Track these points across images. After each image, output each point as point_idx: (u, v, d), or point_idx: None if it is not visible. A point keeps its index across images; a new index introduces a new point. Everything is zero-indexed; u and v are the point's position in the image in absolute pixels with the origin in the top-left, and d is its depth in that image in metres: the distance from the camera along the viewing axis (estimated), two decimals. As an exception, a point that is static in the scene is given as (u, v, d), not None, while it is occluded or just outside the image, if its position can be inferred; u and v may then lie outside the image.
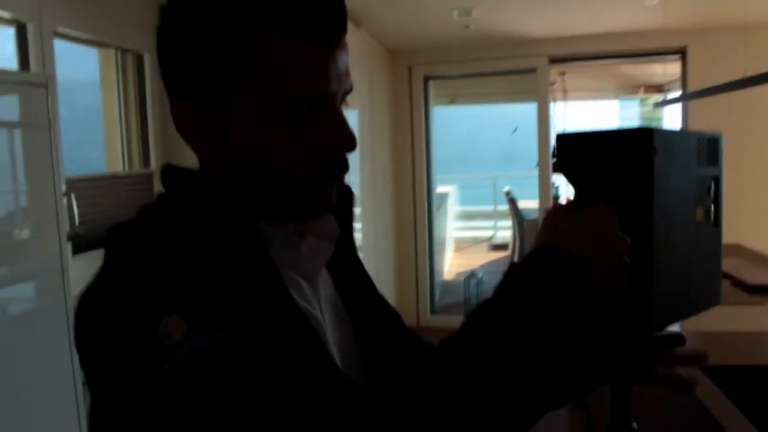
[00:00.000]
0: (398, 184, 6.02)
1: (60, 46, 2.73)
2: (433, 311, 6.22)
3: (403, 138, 5.98)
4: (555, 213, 0.71)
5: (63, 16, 2.74)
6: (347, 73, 0.72)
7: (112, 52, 3.36)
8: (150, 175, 3.44)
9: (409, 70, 5.94)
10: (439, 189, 7.44)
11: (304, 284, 0.78)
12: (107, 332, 0.61)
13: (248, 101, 0.68)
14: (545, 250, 0.68)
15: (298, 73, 0.67)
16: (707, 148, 0.80)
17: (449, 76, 6.22)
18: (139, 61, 3.45)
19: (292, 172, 0.71)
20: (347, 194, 0.85)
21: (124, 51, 3.38)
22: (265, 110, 0.68)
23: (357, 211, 4.88)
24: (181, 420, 0.57)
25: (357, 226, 4.73)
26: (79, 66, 3.36)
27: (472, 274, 6.29)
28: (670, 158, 0.72)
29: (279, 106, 0.67)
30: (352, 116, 4.92)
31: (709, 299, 0.83)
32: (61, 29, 2.75)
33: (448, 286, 7.19)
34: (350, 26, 3.46)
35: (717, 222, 0.83)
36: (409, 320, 4.85)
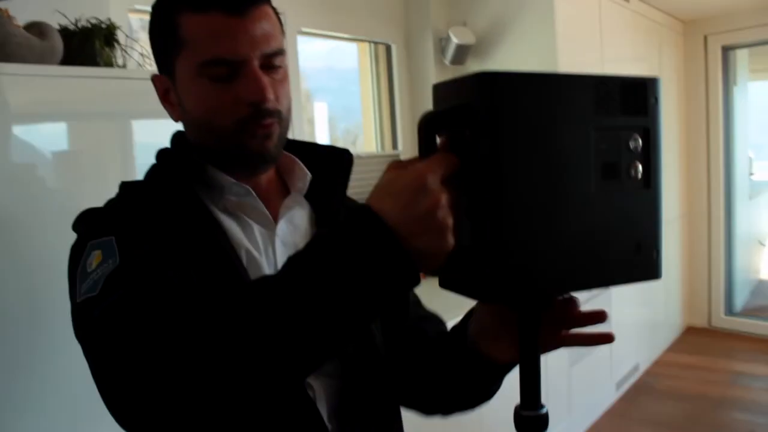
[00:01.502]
0: (690, 170, 5.46)
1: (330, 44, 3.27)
2: (731, 312, 5.49)
3: (697, 118, 5.40)
4: (387, 169, 0.68)
5: (305, 19, 3.14)
6: (265, 39, 0.86)
7: (367, 45, 3.72)
8: (398, 156, 3.72)
9: (705, 40, 5.33)
10: (761, 177, 6.55)
11: (257, 228, 0.93)
12: (71, 257, 0.84)
13: (183, 66, 0.88)
14: (356, 210, 0.67)
15: (211, 39, 0.83)
16: (625, 95, 0.67)
17: (751, 44, 5.39)
18: (388, 51, 3.75)
19: (217, 124, 0.87)
20: (341, 157, 1.01)
21: (377, 44, 3.71)
22: (194, 72, 0.86)
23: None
24: (81, 325, 0.76)
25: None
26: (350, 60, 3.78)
27: (782, 272, 5.40)
28: (535, 105, 0.63)
29: (201, 67, 0.85)
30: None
31: (631, 271, 0.70)
32: (306, 29, 3.16)
33: (764, 286, 6.28)
34: (619, 1, 3.30)
35: (648, 182, 0.69)
36: (698, 320, 4.52)
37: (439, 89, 0.70)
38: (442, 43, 3.68)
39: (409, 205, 0.62)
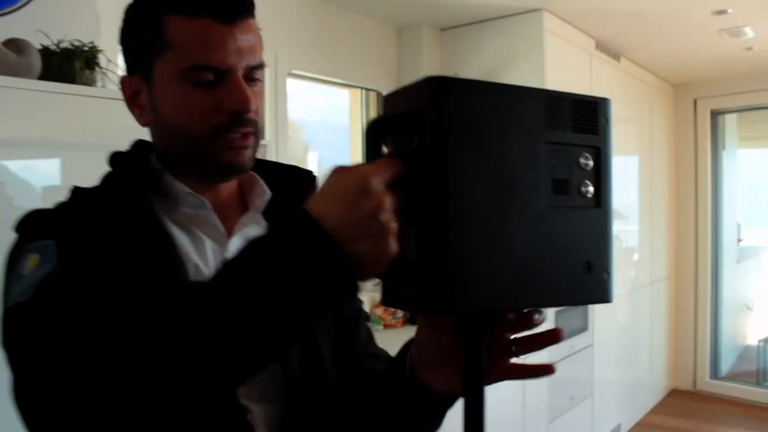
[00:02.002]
0: (678, 231, 5.48)
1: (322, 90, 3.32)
2: (717, 376, 5.43)
3: (686, 180, 5.44)
4: (330, 173, 0.64)
5: (297, 61, 3.18)
6: (250, 50, 0.85)
7: (358, 92, 3.76)
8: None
9: (694, 104, 5.41)
10: (750, 242, 6.56)
11: (209, 243, 0.91)
12: (8, 258, 0.81)
13: (165, 69, 0.85)
14: (293, 213, 0.63)
15: (200, 44, 0.82)
16: (576, 113, 0.65)
17: (740, 109, 5.47)
18: (379, 98, 3.79)
19: (194, 129, 0.85)
20: (304, 178, 1.00)
21: (368, 90, 3.75)
22: (176, 76, 0.83)
23: (630, 249, 4.63)
24: (7, 330, 0.73)
25: (627, 272, 4.50)
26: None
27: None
28: (486, 113, 0.61)
29: (186, 71, 0.82)
30: (632, 161, 4.89)
31: (582, 292, 0.67)
32: (295, 71, 3.19)
33: (750, 352, 6.22)
34: (610, 60, 3.36)
35: (599, 202, 0.67)
36: (684, 383, 4.47)
37: (390, 98, 0.68)
38: (433, 92, 3.71)
39: (351, 208, 0.59)
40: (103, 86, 1.73)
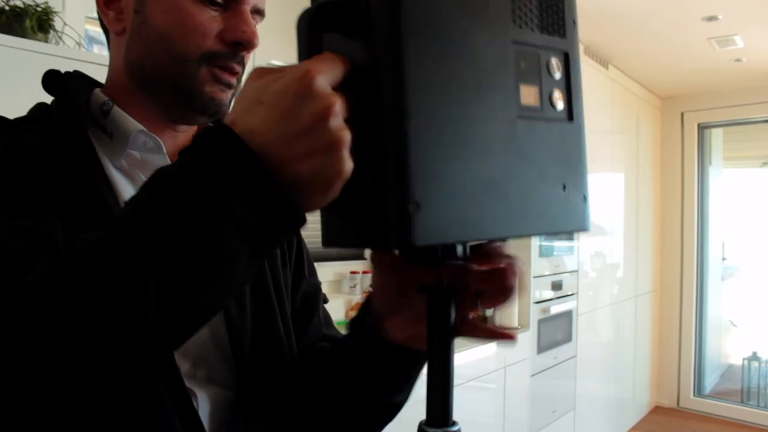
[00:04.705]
0: (663, 245, 5.41)
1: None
2: (700, 393, 5.33)
3: (673, 193, 5.38)
4: (250, 77, 0.50)
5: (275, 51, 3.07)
6: None
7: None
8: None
9: (681, 117, 5.37)
10: (733, 261, 6.53)
11: None
12: None
13: None
14: (210, 131, 0.49)
15: None
16: (542, 9, 0.55)
17: (727, 123, 5.43)
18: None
19: (183, 46, 0.73)
20: None
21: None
22: None
23: (614, 265, 4.55)
24: None
25: (610, 286, 4.41)
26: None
27: (753, 356, 5.28)
28: (448, 7, 0.49)
29: None
30: (618, 174, 4.82)
31: (559, 219, 0.57)
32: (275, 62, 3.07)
33: (734, 370, 6.17)
34: (598, 66, 3.31)
35: (571, 115, 0.57)
36: (667, 400, 4.38)
37: None
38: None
39: (288, 116, 0.46)
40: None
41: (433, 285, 0.58)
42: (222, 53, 0.74)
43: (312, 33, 0.51)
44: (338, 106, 0.46)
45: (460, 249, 0.57)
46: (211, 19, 0.73)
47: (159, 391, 0.68)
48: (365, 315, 0.75)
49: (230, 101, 0.77)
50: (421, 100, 0.47)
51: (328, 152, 0.46)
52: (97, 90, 0.79)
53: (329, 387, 0.81)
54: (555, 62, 0.56)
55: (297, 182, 0.47)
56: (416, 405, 0.72)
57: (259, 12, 0.78)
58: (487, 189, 0.51)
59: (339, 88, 0.48)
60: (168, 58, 0.74)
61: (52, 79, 0.78)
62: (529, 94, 0.54)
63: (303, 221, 0.49)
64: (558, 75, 0.56)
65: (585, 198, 0.60)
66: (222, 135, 0.47)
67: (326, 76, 0.47)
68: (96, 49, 1.87)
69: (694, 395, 5.28)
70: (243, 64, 0.77)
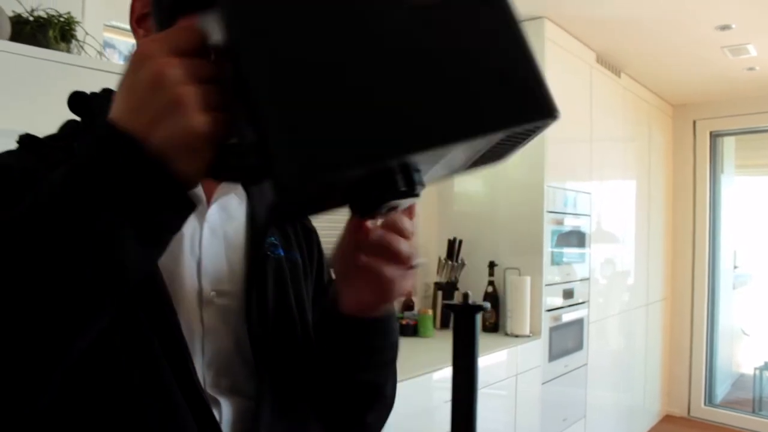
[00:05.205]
0: (675, 253, 5.39)
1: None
2: (711, 403, 5.30)
3: (685, 201, 5.36)
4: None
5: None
6: None
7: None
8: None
9: (694, 125, 5.35)
10: (745, 270, 6.48)
11: None
12: None
13: None
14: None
15: None
16: None
17: (739, 132, 5.41)
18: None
19: None
20: None
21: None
22: None
23: (626, 273, 4.54)
24: None
25: (621, 294, 4.40)
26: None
27: (765, 366, 5.24)
28: None
29: None
30: (630, 181, 4.81)
31: (504, 113, 0.46)
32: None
33: (745, 380, 6.13)
34: (610, 74, 3.28)
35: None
36: (678, 409, 4.33)
37: None
38: (429, 99, 3.63)
39: (131, 89, 0.48)
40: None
41: (457, 303, 0.59)
42: None
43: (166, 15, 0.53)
44: (173, 68, 0.47)
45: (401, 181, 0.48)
46: None
47: (176, 400, 0.69)
48: (330, 289, 0.78)
49: None
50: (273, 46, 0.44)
51: (171, 113, 0.47)
52: None
53: (316, 369, 0.83)
54: None
55: (161, 151, 0.47)
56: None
57: None
58: (390, 98, 0.44)
59: (207, 56, 0.48)
60: None
61: (77, 101, 0.78)
62: None
63: (181, 192, 0.50)
64: None
65: (540, 83, 0.47)
66: (99, 126, 0.49)
67: (163, 44, 0.48)
68: (108, 52, 1.89)
69: (705, 404, 5.25)
70: None
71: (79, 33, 1.62)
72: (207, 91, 0.48)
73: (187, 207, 0.51)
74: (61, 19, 1.56)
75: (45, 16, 1.54)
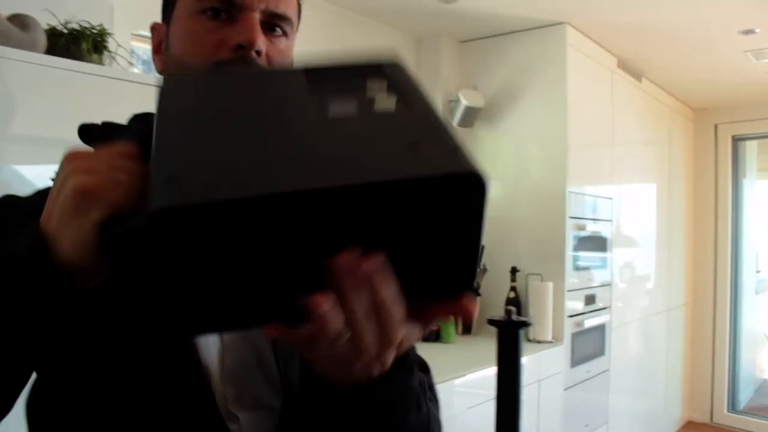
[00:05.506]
0: (696, 258, 5.35)
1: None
2: (734, 410, 5.25)
3: (706, 206, 5.32)
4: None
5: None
6: None
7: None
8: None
9: (715, 129, 5.31)
10: (767, 274, 6.41)
11: None
12: None
13: (183, 4, 0.79)
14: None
15: None
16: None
17: (762, 135, 5.35)
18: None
19: (195, 64, 0.76)
20: None
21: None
22: (191, 9, 0.77)
23: (647, 278, 4.52)
24: None
25: (642, 300, 4.38)
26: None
27: (789, 373, 5.19)
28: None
29: (201, 1, 0.76)
30: (650, 186, 4.77)
31: (411, 166, 0.42)
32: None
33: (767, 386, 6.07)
34: (631, 79, 3.26)
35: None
36: (700, 415, 4.29)
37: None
38: (450, 105, 3.64)
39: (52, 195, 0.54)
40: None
41: (501, 319, 0.60)
42: (227, 60, 0.75)
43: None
44: (79, 163, 0.53)
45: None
46: (215, 33, 0.76)
47: (190, 418, 0.69)
48: None
49: None
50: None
51: (63, 193, 0.53)
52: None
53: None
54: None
55: (53, 227, 0.53)
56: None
57: (277, 16, 0.78)
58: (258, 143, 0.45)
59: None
60: None
61: (84, 133, 0.78)
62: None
63: (56, 276, 0.52)
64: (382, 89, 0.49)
65: (457, 147, 0.44)
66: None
67: (78, 152, 0.55)
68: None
69: (728, 411, 5.20)
70: (252, 65, 0.76)
71: (110, 44, 1.65)
72: (107, 161, 0.53)
73: (62, 291, 0.53)
74: (94, 31, 1.59)
75: (78, 28, 1.57)
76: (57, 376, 0.72)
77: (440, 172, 0.41)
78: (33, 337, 0.54)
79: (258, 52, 0.75)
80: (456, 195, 0.41)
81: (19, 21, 1.41)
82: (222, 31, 0.76)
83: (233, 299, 0.42)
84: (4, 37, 1.34)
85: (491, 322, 0.62)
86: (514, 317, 0.58)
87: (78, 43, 1.53)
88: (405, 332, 0.49)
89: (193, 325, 0.44)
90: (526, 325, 0.60)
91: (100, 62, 1.60)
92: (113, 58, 1.65)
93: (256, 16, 0.76)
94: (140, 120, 0.83)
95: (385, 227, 0.41)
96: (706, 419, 5.25)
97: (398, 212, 0.41)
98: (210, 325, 0.45)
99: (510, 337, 0.59)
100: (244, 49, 0.75)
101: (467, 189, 0.41)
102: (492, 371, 2.68)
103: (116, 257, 0.50)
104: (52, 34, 1.54)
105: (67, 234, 0.52)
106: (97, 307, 0.45)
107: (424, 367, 0.89)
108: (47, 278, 0.52)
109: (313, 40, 3.23)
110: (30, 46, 1.40)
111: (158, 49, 0.83)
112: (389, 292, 0.45)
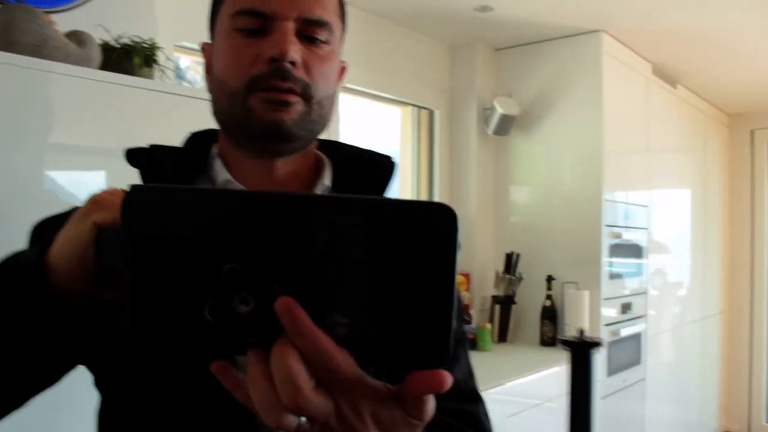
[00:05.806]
0: (732, 266, 5.27)
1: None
2: (773, 420, 5.16)
3: (742, 213, 5.25)
4: None
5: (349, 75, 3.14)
6: (308, 1, 0.76)
7: (410, 109, 3.70)
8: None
9: (751, 135, 5.24)
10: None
11: None
12: None
13: (221, 23, 0.79)
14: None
15: None
16: None
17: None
18: (431, 116, 3.73)
19: (231, 81, 0.76)
20: (379, 164, 0.86)
21: (420, 108, 3.70)
22: (227, 27, 0.77)
23: (683, 286, 4.46)
24: None
25: (679, 308, 4.33)
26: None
27: (830, 382, 5.07)
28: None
29: (233, 18, 0.76)
30: (685, 192, 4.73)
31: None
32: (349, 85, 3.14)
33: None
34: (666, 86, 3.22)
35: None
36: (736, 424, 4.24)
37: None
38: (486, 113, 3.64)
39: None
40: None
41: (573, 339, 0.60)
42: (262, 75, 0.74)
43: None
44: (98, 196, 0.55)
45: None
46: (250, 48, 0.74)
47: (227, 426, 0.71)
48: None
49: (299, 118, 0.76)
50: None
51: (74, 223, 0.55)
52: (214, 144, 0.84)
53: None
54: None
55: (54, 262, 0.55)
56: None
57: (311, 24, 0.76)
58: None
59: None
60: (226, 99, 0.77)
61: (130, 157, 0.80)
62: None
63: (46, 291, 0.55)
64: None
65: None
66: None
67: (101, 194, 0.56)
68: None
69: (766, 421, 5.11)
70: (289, 78, 0.74)
71: (159, 57, 1.69)
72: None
73: (50, 305, 0.56)
74: (145, 46, 1.62)
75: (131, 43, 1.61)
76: (112, 391, 0.75)
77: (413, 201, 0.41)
78: (23, 338, 0.57)
79: (293, 63, 0.73)
80: (425, 223, 0.40)
81: (77, 38, 1.45)
82: (256, 45, 0.74)
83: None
84: (63, 54, 1.38)
85: (564, 342, 0.61)
86: (587, 338, 0.59)
87: (130, 58, 1.57)
88: (387, 417, 0.44)
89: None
90: (598, 345, 0.60)
91: (150, 76, 1.64)
92: (162, 71, 1.69)
93: (289, 26, 0.74)
94: (196, 139, 0.84)
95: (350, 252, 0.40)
96: (743, 429, 5.16)
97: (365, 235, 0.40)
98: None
99: (582, 357, 0.59)
100: (277, 61, 0.73)
101: (438, 218, 0.40)
102: (530, 379, 2.68)
103: (104, 257, 0.52)
104: (105, 48, 1.58)
105: (66, 233, 0.55)
106: (127, 345, 0.45)
107: (476, 398, 0.90)
108: (35, 281, 0.55)
109: (347, 48, 3.26)
110: (86, 62, 1.44)
111: (208, 68, 0.83)
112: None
